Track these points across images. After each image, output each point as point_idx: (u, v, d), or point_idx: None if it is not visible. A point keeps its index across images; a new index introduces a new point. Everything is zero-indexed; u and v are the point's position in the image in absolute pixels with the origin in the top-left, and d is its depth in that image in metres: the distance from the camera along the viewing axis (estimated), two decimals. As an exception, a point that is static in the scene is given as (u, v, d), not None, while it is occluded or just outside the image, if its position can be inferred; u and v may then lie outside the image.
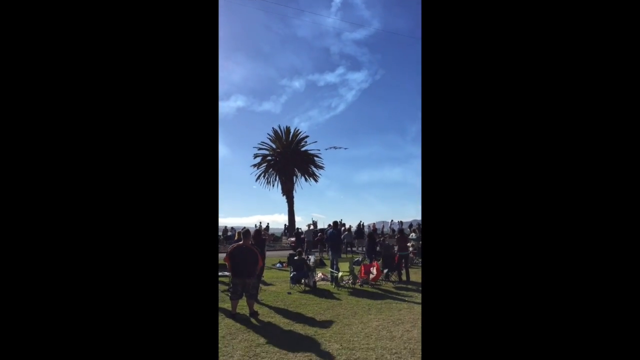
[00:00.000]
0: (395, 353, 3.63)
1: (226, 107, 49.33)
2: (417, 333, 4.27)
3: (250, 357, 3.48)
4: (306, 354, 3.56)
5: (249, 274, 5.12)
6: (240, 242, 5.35)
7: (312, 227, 13.97)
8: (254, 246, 5.47)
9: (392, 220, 25.30)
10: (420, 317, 4.94)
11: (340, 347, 3.77)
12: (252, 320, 4.92)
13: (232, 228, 17.36)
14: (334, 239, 8.24)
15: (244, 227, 6.21)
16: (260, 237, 6.61)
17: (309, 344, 3.88)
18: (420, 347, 3.79)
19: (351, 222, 20.92)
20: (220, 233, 16.67)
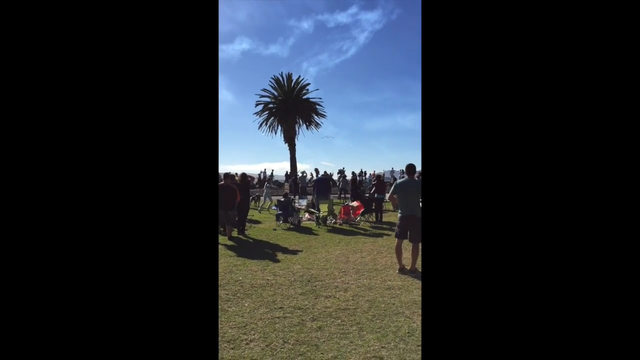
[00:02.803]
0: (343, 271, 4.44)
1: (230, 50, 47.36)
2: (369, 259, 5.08)
3: (226, 273, 4.34)
4: (271, 272, 4.40)
5: (230, 206, 6.46)
6: (222, 182, 6.57)
7: (304, 174, 14.73)
8: (233, 184, 6.76)
9: (392, 169, 26.19)
10: (377, 249, 5.77)
11: (301, 268, 4.60)
12: (233, 244, 6.11)
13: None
14: (319, 184, 9.04)
15: (229, 172, 7.23)
16: (246, 180, 7.52)
17: (276, 266, 4.73)
18: (365, 268, 4.61)
19: (359, 171, 22.13)
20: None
